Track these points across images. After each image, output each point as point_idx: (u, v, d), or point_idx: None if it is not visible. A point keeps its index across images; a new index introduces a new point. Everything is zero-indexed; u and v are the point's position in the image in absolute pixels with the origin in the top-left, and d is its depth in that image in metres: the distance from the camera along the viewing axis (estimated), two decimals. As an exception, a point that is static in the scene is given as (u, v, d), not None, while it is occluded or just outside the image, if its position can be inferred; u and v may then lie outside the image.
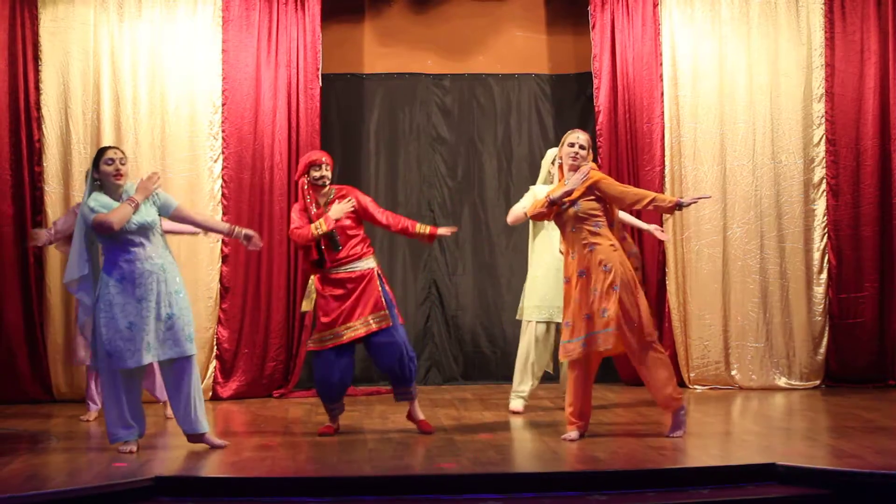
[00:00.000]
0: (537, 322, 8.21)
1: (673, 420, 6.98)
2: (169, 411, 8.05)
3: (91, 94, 9.28)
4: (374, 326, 7.24)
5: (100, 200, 6.58)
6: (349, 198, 7.33)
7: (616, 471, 6.01)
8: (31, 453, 6.70)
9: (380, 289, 7.30)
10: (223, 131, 9.36)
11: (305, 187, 7.39)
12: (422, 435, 7.23)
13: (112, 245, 6.60)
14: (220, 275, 9.34)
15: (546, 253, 8.21)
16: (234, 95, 9.41)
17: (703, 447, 6.76)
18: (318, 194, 7.38)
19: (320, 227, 7.19)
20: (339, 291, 7.25)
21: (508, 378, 8.54)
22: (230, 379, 9.27)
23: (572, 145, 7.04)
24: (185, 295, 6.76)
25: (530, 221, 8.24)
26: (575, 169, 7.00)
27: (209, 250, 9.31)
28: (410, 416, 7.44)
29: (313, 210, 7.32)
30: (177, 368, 6.69)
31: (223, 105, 9.38)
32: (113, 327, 6.52)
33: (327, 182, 7.36)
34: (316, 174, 7.33)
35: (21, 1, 9.20)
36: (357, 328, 7.23)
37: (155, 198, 6.72)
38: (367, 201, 7.42)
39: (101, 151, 6.76)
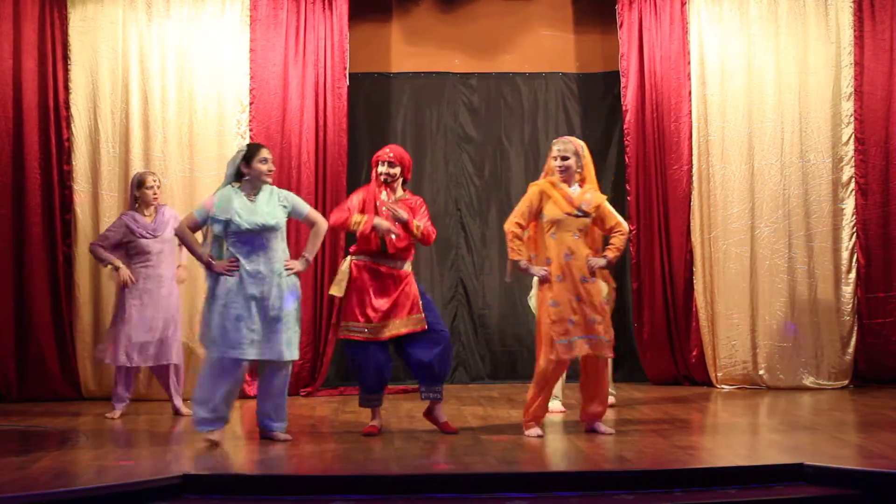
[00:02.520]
0: None
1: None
2: (183, 408, 8.13)
3: (120, 93, 9.33)
4: (410, 328, 7.29)
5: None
6: (402, 215, 7.30)
7: (643, 470, 6.01)
8: (60, 451, 6.74)
9: (417, 292, 7.35)
10: (251, 130, 9.38)
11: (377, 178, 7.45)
12: (448, 434, 7.23)
13: (234, 242, 6.84)
14: (248, 273, 9.35)
15: None
16: (262, 94, 9.43)
17: (730, 447, 6.74)
18: (390, 189, 7.42)
19: (360, 224, 7.25)
20: (377, 283, 7.29)
21: (535, 377, 8.49)
22: (257, 377, 9.26)
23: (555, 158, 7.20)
24: (296, 300, 6.93)
25: None
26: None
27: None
28: (431, 416, 7.45)
29: (381, 198, 7.36)
30: (270, 369, 6.91)
31: (251, 104, 9.41)
32: (225, 316, 6.72)
33: (390, 179, 7.39)
34: (381, 169, 7.41)
35: (51, 1, 9.26)
36: (397, 327, 7.28)
37: (283, 200, 6.96)
38: (418, 216, 7.43)
39: (257, 148, 7.09)
